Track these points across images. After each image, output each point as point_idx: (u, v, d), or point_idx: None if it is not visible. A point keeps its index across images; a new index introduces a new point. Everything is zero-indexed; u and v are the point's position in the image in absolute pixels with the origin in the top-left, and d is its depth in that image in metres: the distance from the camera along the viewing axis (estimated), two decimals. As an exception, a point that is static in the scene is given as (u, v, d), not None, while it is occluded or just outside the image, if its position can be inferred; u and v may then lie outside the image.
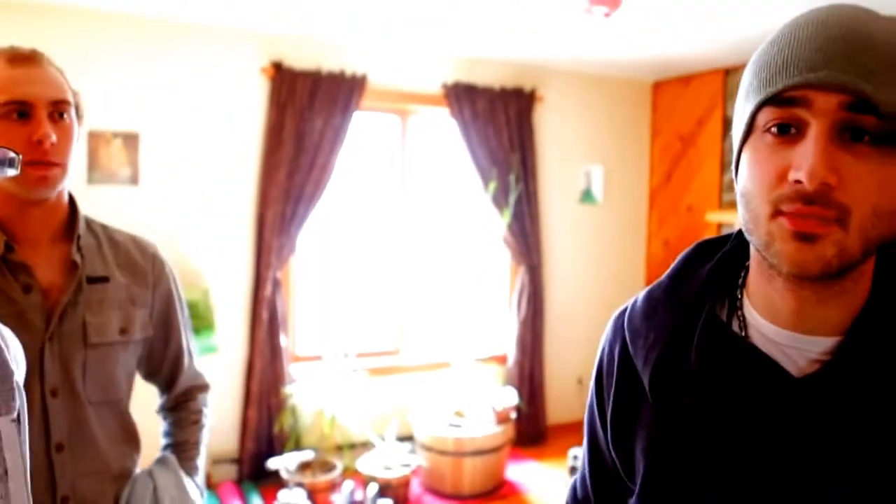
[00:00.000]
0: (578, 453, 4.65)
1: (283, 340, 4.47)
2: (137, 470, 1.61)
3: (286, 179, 4.41)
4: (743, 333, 0.86)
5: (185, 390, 1.75)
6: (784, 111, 0.73)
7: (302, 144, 4.43)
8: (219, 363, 4.36)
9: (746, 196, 0.78)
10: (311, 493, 4.11)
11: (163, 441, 1.73)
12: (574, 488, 1.14)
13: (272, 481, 4.34)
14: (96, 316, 1.49)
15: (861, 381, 0.77)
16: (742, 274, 0.90)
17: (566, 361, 5.65)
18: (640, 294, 0.98)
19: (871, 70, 0.70)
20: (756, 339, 0.85)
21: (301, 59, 4.50)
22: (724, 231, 4.40)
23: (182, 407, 1.74)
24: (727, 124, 5.30)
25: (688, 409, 0.85)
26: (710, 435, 0.84)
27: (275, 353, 4.44)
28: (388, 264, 5.08)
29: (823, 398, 0.78)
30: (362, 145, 4.94)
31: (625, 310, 1.00)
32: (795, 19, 0.76)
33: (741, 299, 0.88)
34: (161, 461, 1.63)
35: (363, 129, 4.93)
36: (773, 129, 0.75)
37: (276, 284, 4.43)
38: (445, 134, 5.18)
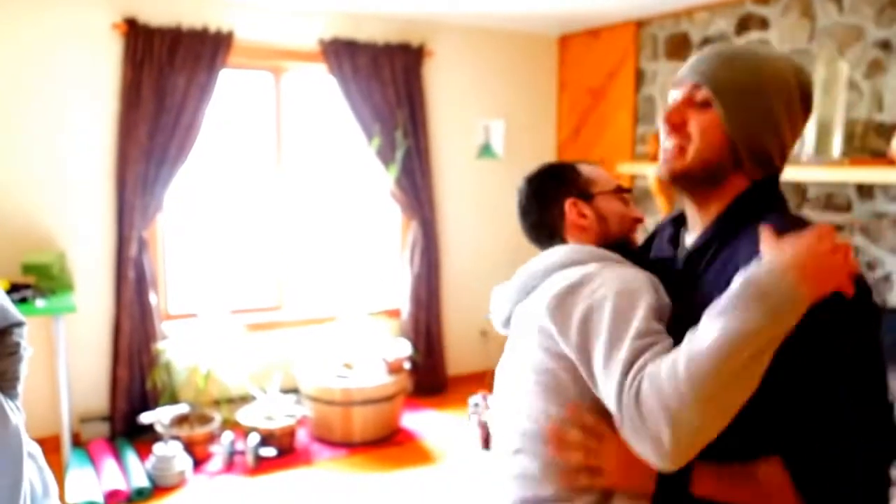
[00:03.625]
0: (479, 400, 4.59)
1: (153, 299, 4.30)
2: None
3: (147, 139, 4.18)
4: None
5: (1, 329, 1.74)
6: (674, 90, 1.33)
7: (163, 104, 4.20)
8: (82, 323, 4.21)
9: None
10: (189, 446, 4.01)
11: None
12: None
13: (147, 436, 4.23)
14: None
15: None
16: None
17: (468, 315, 5.51)
18: None
19: (707, 70, 1.27)
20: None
21: (158, 15, 4.22)
22: (638, 182, 4.39)
23: None
24: (640, 77, 5.06)
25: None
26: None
27: (144, 311, 4.28)
28: (267, 222, 4.88)
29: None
30: (235, 102, 4.69)
31: None
32: None
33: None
34: None
35: (235, 86, 4.68)
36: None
37: (143, 244, 4.24)
38: (324, 90, 4.94)
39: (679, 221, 1.46)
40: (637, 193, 5.14)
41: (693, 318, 1.13)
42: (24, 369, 1.82)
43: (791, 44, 4.14)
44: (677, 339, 1.14)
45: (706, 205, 1.31)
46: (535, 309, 1.34)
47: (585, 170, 1.55)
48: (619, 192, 1.54)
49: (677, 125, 1.28)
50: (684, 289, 1.29)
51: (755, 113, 1.24)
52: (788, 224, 1.19)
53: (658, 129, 4.69)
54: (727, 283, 1.13)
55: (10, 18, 3.91)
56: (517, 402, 1.37)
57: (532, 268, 1.42)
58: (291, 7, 4.61)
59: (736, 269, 1.16)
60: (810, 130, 3.99)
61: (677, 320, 1.22)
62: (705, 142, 1.25)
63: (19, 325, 1.81)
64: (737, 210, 1.28)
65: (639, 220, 1.54)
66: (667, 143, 1.30)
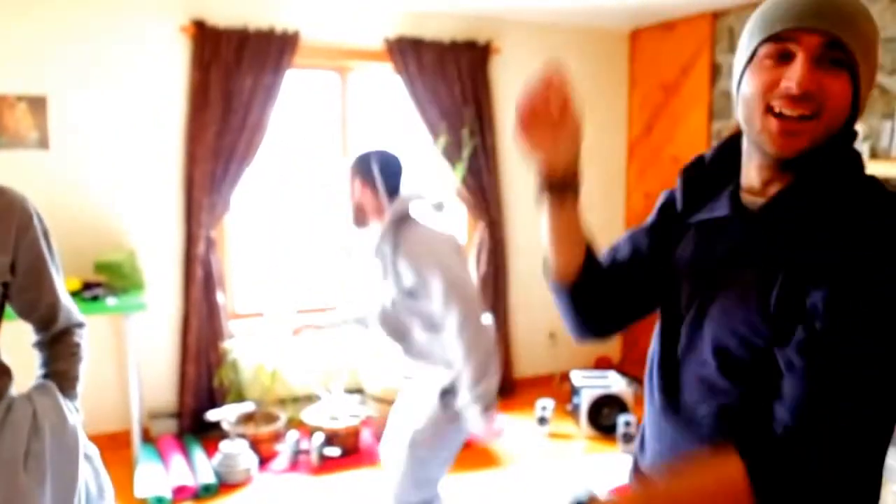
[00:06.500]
0: (547, 404, 4.46)
1: (221, 298, 4.24)
2: (12, 392, 1.63)
3: (215, 139, 4.11)
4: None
5: (63, 328, 1.77)
6: (780, 45, 1.04)
7: (230, 104, 4.12)
8: (152, 320, 4.18)
9: (746, 99, 1.08)
10: (254, 444, 3.93)
11: (39, 371, 1.75)
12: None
13: (214, 434, 4.16)
14: None
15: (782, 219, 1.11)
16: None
17: (537, 317, 5.30)
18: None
19: (839, 21, 1.00)
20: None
21: (225, 17, 4.14)
22: None
23: (60, 341, 1.76)
24: (716, 71, 4.75)
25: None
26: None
27: (212, 310, 4.22)
28: (332, 221, 4.76)
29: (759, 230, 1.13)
30: (301, 102, 4.59)
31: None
32: None
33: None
34: (40, 387, 1.67)
35: (301, 86, 4.58)
36: (769, 59, 1.05)
37: (210, 243, 4.18)
38: (390, 89, 4.79)
39: (695, 183, 1.28)
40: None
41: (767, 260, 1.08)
42: (84, 371, 1.81)
43: (880, 32, 3.91)
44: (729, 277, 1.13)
45: (788, 168, 1.11)
46: None
47: None
48: None
49: (813, 92, 1.02)
50: (758, 236, 1.12)
51: (874, 68, 1.06)
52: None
53: (737, 123, 4.49)
54: (801, 236, 1.06)
55: (81, 22, 3.91)
56: None
57: None
58: (357, 7, 4.49)
59: (815, 231, 1.06)
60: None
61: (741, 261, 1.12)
62: (839, 109, 1.03)
63: (80, 326, 1.80)
64: (825, 169, 1.09)
65: None
66: (790, 111, 1.03)
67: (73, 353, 1.76)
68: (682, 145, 5.11)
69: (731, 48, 4.73)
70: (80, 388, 1.77)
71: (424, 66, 4.62)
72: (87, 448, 1.72)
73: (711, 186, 1.26)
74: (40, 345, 1.76)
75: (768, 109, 1.06)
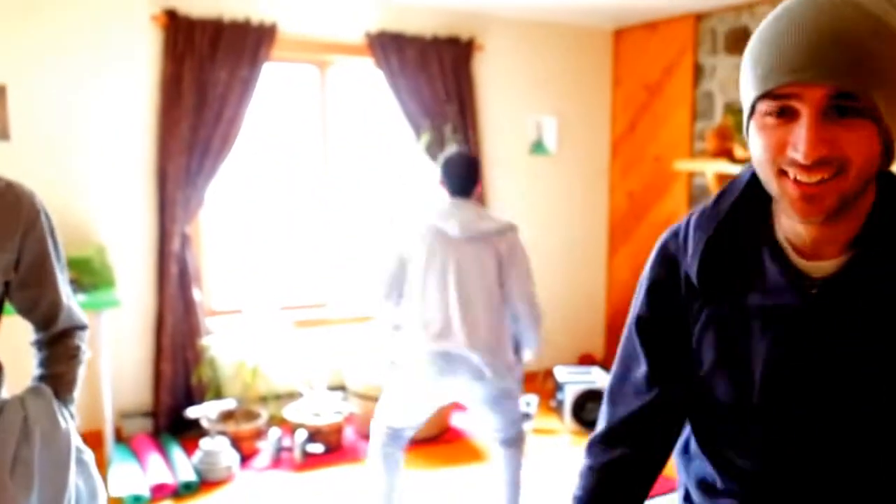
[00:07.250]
0: (531, 400, 4.42)
1: (197, 294, 4.13)
2: (4, 394, 1.58)
3: (189, 133, 3.99)
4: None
5: (64, 329, 1.70)
6: (779, 103, 0.88)
7: (205, 97, 4.00)
8: (125, 318, 4.06)
9: (757, 161, 0.94)
10: (235, 442, 3.85)
11: (36, 372, 1.69)
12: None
13: (193, 432, 4.06)
14: None
15: (862, 285, 0.97)
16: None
17: None
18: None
19: (845, 64, 0.82)
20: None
21: (198, 6, 4.00)
22: (696, 180, 4.17)
23: (59, 342, 1.70)
24: (699, 71, 4.75)
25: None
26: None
27: (188, 307, 4.11)
28: (313, 218, 4.69)
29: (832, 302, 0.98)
30: (280, 96, 4.51)
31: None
32: (779, 18, 0.88)
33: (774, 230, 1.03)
34: (34, 391, 1.61)
35: (280, 79, 4.49)
36: (771, 116, 0.89)
37: (185, 238, 4.07)
38: (370, 84, 4.71)
39: (729, 246, 1.07)
40: (695, 192, 4.99)
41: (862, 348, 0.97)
42: (82, 373, 1.73)
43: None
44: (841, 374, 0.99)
45: (840, 221, 0.95)
46: None
47: None
48: None
49: (827, 156, 0.86)
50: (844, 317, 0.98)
51: None
52: None
53: (717, 125, 4.53)
54: None
55: (43, 7, 3.77)
56: None
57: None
58: None
59: None
60: None
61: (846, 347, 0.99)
62: (864, 159, 0.87)
63: (83, 328, 1.74)
64: (887, 214, 0.98)
65: None
66: (807, 179, 0.88)
67: (72, 355, 1.70)
68: (666, 145, 5.13)
69: (714, 50, 4.77)
70: (77, 392, 1.71)
71: (406, 61, 4.55)
72: (81, 453, 1.67)
73: (733, 246, 1.07)
74: (38, 344, 1.71)
75: (782, 173, 0.90)
